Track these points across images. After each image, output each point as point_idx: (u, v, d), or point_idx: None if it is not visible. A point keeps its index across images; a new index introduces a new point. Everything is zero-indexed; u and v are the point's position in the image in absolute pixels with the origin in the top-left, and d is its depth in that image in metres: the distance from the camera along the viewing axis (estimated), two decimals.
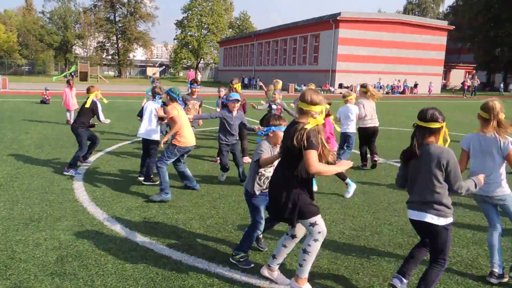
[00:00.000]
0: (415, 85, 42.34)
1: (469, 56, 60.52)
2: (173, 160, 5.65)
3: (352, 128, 7.39)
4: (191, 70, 41.00)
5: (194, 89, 8.13)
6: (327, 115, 5.87)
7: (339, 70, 40.27)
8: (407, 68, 43.29)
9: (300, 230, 3.42)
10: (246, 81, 48.10)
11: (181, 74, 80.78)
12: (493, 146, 3.54)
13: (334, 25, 39.77)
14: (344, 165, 3.25)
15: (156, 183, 6.09)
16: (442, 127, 3.02)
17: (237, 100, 6.25)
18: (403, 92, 41.44)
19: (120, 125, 12.46)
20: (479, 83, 43.33)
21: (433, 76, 44.96)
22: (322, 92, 32.72)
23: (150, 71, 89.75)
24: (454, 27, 47.99)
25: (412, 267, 3.29)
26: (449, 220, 3.00)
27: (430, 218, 2.97)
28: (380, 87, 41.72)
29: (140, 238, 4.29)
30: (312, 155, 3.02)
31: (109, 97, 15.35)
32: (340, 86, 40.03)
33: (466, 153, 3.72)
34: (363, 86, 7.74)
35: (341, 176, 5.98)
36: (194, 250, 4.03)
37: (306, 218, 3.18)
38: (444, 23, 47.25)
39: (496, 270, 3.57)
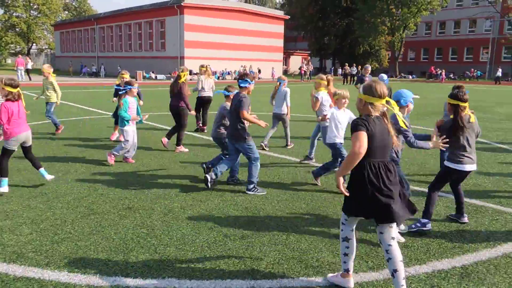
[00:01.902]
0: (259, 71, 45.01)
1: (304, 43, 66.86)
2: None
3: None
4: (20, 56, 36.03)
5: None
6: None
7: (187, 57, 40.25)
8: (251, 54, 45.65)
9: None
10: (95, 69, 44.58)
11: (8, 61, 70.61)
12: None
13: (179, 11, 39.45)
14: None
15: None
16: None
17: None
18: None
19: None
20: (312, 68, 48.21)
21: (275, 62, 48.45)
22: (172, 79, 31.97)
23: None
24: (289, 16, 52.26)
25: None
26: None
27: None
28: (228, 73, 43.18)
29: None
30: None
31: None
32: (190, 73, 40.12)
33: None
34: None
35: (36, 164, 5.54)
36: (25, 259, 3.59)
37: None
38: (281, 13, 51.07)
39: None
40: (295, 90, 28.11)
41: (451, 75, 50.72)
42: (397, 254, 2.98)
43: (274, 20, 48.14)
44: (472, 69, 51.37)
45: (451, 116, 4.28)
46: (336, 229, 4.35)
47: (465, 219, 4.59)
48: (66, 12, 79.07)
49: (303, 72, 45.08)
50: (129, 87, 6.97)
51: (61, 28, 60.76)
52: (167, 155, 7.78)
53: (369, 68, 12.28)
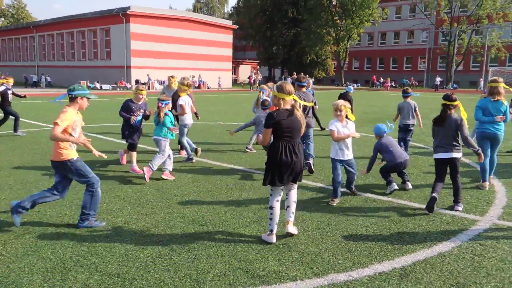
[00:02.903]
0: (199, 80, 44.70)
1: (253, 53, 67.59)
2: None
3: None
4: None
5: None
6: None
7: (134, 66, 39.42)
8: (200, 64, 45.46)
9: None
10: (35, 78, 42.42)
11: None
12: None
13: (125, 19, 38.59)
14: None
15: None
16: (458, 104, 5.35)
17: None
18: (198, 87, 43.38)
19: None
20: (261, 77, 48.82)
21: (224, 71, 48.50)
22: (118, 89, 31.62)
23: None
24: (238, 26, 52.69)
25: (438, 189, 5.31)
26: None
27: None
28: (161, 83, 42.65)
29: None
30: None
31: None
32: (137, 82, 39.23)
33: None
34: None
35: None
36: None
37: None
38: (229, 23, 51.35)
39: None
40: (245, 99, 28.34)
41: (393, 83, 53.26)
42: (293, 197, 4.38)
43: (222, 29, 48.32)
44: (412, 78, 54.26)
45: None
46: (283, 238, 4.40)
47: (459, 207, 5.37)
48: (2, 19, 74.95)
49: (252, 81, 45.51)
50: (168, 101, 6.89)
51: None
52: (111, 167, 7.52)
53: (310, 82, 12.70)
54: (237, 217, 5.04)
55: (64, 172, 4.42)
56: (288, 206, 4.38)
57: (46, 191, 4.54)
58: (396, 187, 6.12)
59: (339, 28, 53.67)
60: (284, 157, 4.05)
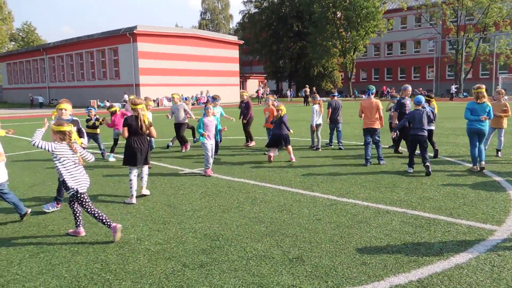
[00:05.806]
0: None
1: (260, 67, 68.03)
2: None
3: None
4: None
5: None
6: None
7: (143, 84, 39.85)
8: (208, 80, 45.83)
9: None
10: (41, 99, 43.11)
11: None
12: None
13: (132, 39, 39.20)
14: None
15: None
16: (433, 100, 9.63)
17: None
18: (207, 103, 43.56)
19: None
20: (269, 91, 48.95)
21: (232, 86, 48.81)
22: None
23: None
24: (243, 41, 53.16)
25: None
26: None
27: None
28: (185, 99, 42.91)
29: None
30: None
31: None
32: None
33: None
34: None
35: None
36: None
37: None
38: (235, 38, 51.87)
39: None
40: (255, 112, 28.36)
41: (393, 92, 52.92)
42: (145, 172, 6.75)
43: (228, 45, 48.82)
44: (420, 88, 54.06)
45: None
46: (296, 250, 4.35)
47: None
48: (13, 43, 76.62)
49: (259, 95, 45.68)
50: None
51: (8, 59, 58.63)
52: (122, 186, 7.55)
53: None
54: (249, 231, 5.01)
55: None
56: (142, 177, 6.67)
57: None
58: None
59: (344, 40, 53.87)
60: (136, 145, 6.27)
